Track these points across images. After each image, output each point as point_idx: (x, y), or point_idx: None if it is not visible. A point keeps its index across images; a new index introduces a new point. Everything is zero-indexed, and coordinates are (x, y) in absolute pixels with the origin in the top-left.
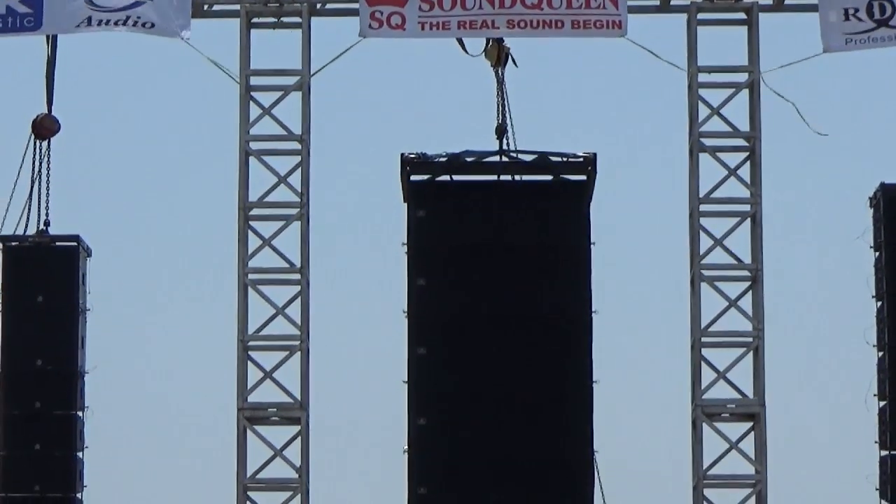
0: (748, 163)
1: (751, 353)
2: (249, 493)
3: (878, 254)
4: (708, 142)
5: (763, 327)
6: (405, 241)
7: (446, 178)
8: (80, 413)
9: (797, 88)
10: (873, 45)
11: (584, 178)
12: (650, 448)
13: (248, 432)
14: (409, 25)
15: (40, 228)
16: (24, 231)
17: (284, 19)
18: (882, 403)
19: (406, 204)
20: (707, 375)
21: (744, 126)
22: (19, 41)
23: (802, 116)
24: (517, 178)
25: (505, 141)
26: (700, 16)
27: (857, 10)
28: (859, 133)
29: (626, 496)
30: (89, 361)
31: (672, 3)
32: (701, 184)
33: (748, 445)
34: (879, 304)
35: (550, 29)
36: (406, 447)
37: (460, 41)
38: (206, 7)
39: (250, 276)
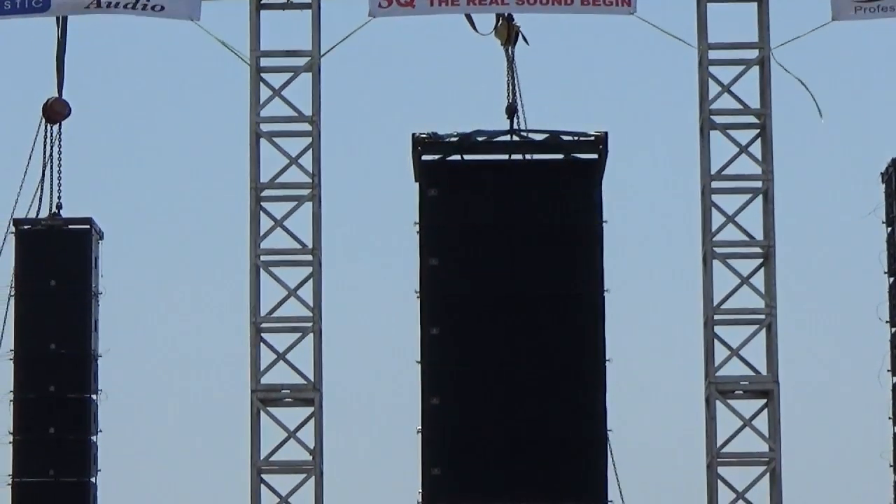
0: (759, 139)
1: (763, 330)
2: (263, 476)
3: (889, 229)
4: (719, 119)
5: (775, 304)
6: (417, 221)
7: (457, 157)
8: (93, 396)
9: (808, 63)
10: (883, 14)
11: (595, 156)
12: (664, 426)
13: (262, 414)
14: (419, 2)
15: (52, 212)
16: (37, 214)
17: (294, 0)
18: (895, 380)
19: (417, 184)
20: (720, 353)
21: (754, 103)
22: (29, 24)
23: (811, 93)
24: (528, 157)
25: (516, 120)
26: None
27: None
28: (871, 107)
29: (641, 474)
30: (102, 345)
31: None
32: (712, 161)
33: (762, 422)
34: (892, 279)
35: (560, 6)
36: (419, 427)
37: (470, 20)
38: None
39: (262, 258)
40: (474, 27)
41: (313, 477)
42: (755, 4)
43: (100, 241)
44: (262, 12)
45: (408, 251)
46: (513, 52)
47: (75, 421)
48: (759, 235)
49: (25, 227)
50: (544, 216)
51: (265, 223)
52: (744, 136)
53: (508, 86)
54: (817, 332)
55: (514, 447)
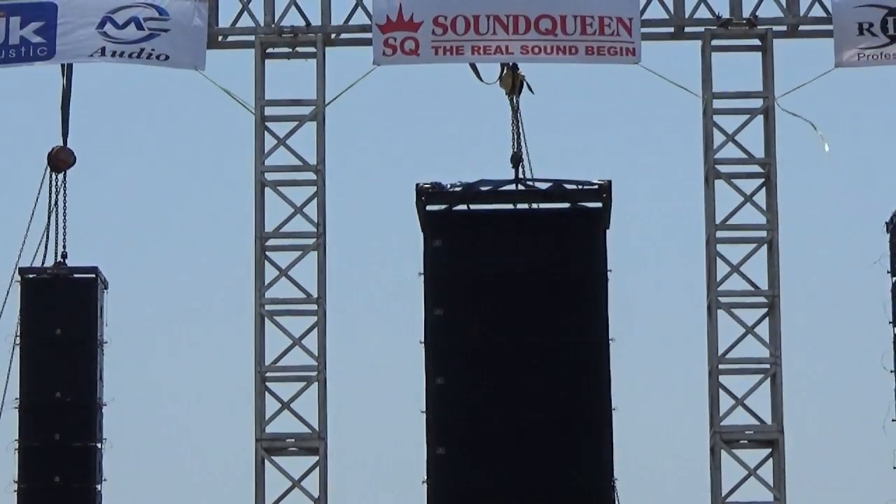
0: (764, 189)
1: (768, 380)
2: None
3: (894, 279)
4: (723, 168)
5: (780, 353)
6: (422, 271)
7: (462, 207)
8: (98, 445)
9: (812, 112)
10: (886, 61)
11: (599, 205)
12: (669, 475)
13: (267, 463)
14: (423, 51)
15: (58, 260)
16: (42, 263)
17: (299, 49)
18: None
19: (422, 233)
20: (725, 402)
21: (759, 152)
22: (35, 73)
23: (815, 128)
24: (533, 206)
25: (520, 169)
26: (714, 42)
27: (871, 25)
28: (876, 156)
29: None
30: (107, 393)
31: (686, 29)
32: (717, 210)
33: (767, 472)
34: None
35: (564, 55)
36: (425, 478)
37: (475, 69)
38: (220, 38)
39: (267, 307)
40: (479, 76)
41: None
42: (759, 54)
43: (105, 290)
44: (267, 61)
45: (413, 301)
46: (518, 102)
47: (80, 470)
48: (764, 285)
49: (31, 275)
50: (549, 265)
51: (270, 272)
52: (748, 186)
53: (513, 135)
54: (822, 382)
55: (520, 499)
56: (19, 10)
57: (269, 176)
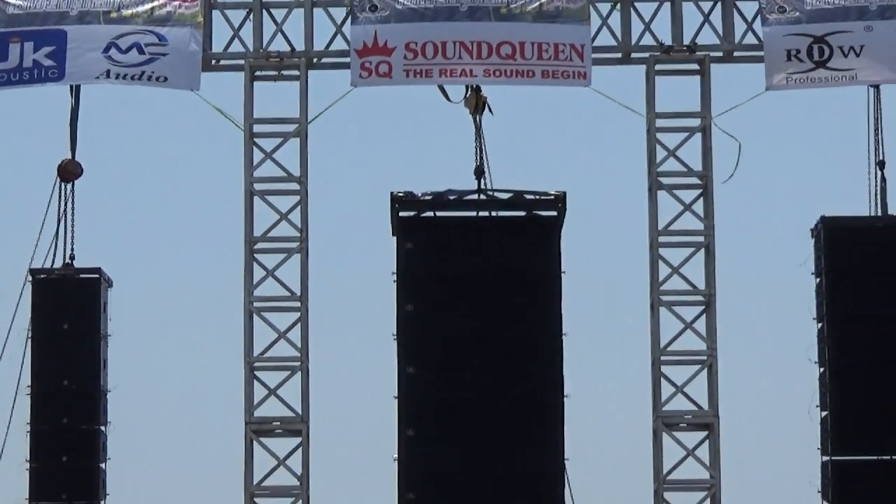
0: (702, 198)
1: (705, 370)
2: (256, 500)
3: (818, 280)
4: (665, 180)
5: (716, 346)
6: (394, 271)
7: (431, 214)
8: (102, 428)
9: (745, 129)
10: (812, 84)
11: (555, 213)
12: (615, 456)
13: (255, 444)
14: (396, 73)
15: (66, 262)
16: (52, 264)
17: (284, 72)
18: (823, 414)
19: (395, 237)
20: (666, 390)
21: (697, 166)
22: (45, 93)
23: (739, 156)
24: (494, 214)
25: (483, 181)
26: (657, 66)
27: (798, 52)
28: (802, 169)
29: (594, 500)
30: (111, 381)
31: (632, 55)
32: (659, 218)
33: (703, 453)
34: (820, 325)
35: (523, 78)
36: (396, 456)
37: (443, 90)
38: (213, 62)
39: (255, 304)
40: (447, 97)
41: (301, 501)
42: (698, 77)
43: (108, 289)
44: (255, 83)
45: (386, 298)
46: (480, 120)
47: (86, 450)
48: (702, 285)
49: (41, 276)
50: (509, 267)
51: (258, 273)
52: (688, 196)
53: (476, 150)
54: (753, 372)
55: (482, 476)
56: (32, 36)
57: (257, 186)
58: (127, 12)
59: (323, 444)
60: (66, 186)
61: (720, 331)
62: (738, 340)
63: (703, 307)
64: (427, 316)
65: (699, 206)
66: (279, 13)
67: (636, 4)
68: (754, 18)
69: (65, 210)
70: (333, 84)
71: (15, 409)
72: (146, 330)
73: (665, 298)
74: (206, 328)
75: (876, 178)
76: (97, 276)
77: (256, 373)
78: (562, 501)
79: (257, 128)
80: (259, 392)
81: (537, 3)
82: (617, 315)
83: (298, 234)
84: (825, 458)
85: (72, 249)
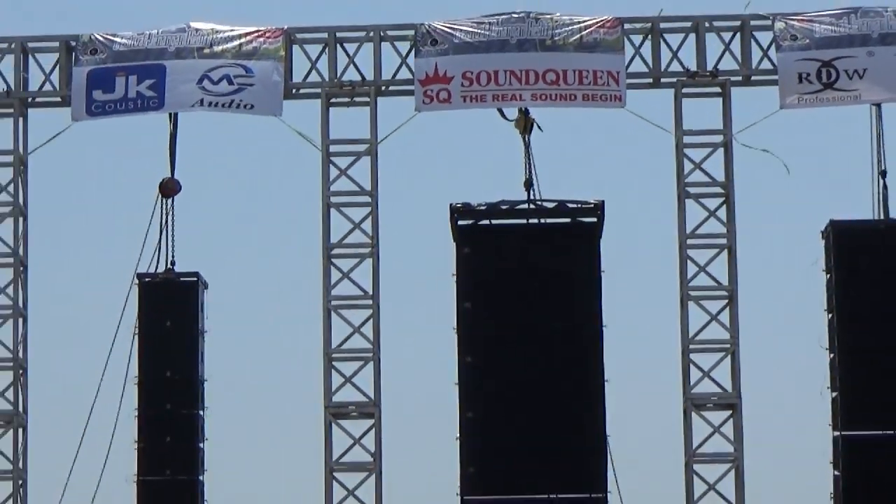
0: (724, 206)
1: (729, 357)
2: (335, 474)
3: (828, 276)
4: (692, 189)
5: (738, 336)
6: (454, 273)
7: (486, 222)
8: (201, 412)
9: (762, 143)
10: (821, 104)
11: (594, 220)
12: (651, 433)
13: (333, 426)
14: (454, 99)
15: (167, 267)
16: (155, 269)
17: (356, 99)
18: (834, 394)
19: (455, 243)
20: (695, 374)
21: (720, 177)
22: (147, 120)
23: (779, 158)
24: (542, 221)
25: (531, 192)
26: (684, 90)
27: (808, 75)
28: (812, 178)
29: (632, 472)
30: (207, 372)
31: (662, 80)
32: (687, 223)
33: (728, 430)
34: (830, 316)
35: (566, 101)
36: (457, 436)
37: (500, 111)
38: (294, 91)
39: (332, 303)
40: (504, 116)
41: (374, 475)
42: (720, 99)
43: (205, 290)
44: (331, 109)
45: (447, 296)
46: (529, 139)
47: (186, 432)
48: (725, 281)
49: (146, 279)
50: (555, 268)
51: (335, 275)
52: (712, 203)
53: (525, 165)
54: (772, 358)
55: (535, 452)
56: (136, 71)
57: (334, 199)
58: (218, 48)
59: (393, 426)
60: (166, 201)
61: (742, 322)
62: (757, 330)
63: (726, 301)
64: (483, 312)
65: (722, 213)
66: (351, 47)
67: (665, 35)
68: (769, 46)
69: (166, 222)
70: (400, 109)
71: (124, 396)
72: (238, 326)
73: (693, 294)
74: (289, 324)
75: (879, 186)
76: (195, 279)
77: (334, 363)
78: (604, 474)
79: (333, 148)
80: (336, 380)
81: (578, 35)
82: (650, 309)
83: (370, 241)
84: (836, 434)
85: (172, 256)
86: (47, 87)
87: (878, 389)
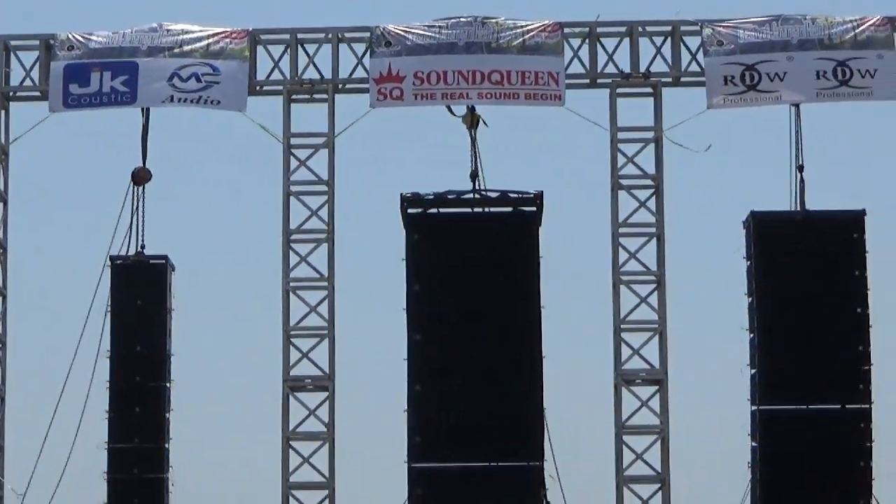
0: (654, 197)
1: (657, 336)
2: (291, 443)
3: (749, 263)
4: (624, 182)
5: (666, 317)
6: (404, 258)
7: (434, 210)
8: (167, 384)
9: (690, 141)
10: (744, 104)
11: (534, 209)
12: (584, 406)
13: (291, 398)
14: (406, 96)
15: (138, 250)
16: (127, 252)
17: (315, 96)
18: (752, 372)
19: (405, 230)
20: (625, 352)
21: (651, 170)
22: (121, 113)
23: (701, 149)
24: (486, 210)
25: (476, 183)
26: (619, 90)
27: (733, 77)
28: (735, 172)
29: (567, 441)
30: (174, 347)
31: (598, 81)
32: (620, 213)
33: (655, 403)
34: (750, 299)
35: (509, 99)
36: (406, 408)
37: (449, 108)
38: (257, 88)
39: (291, 284)
40: (452, 112)
41: (328, 444)
42: (651, 98)
43: (173, 272)
44: (292, 105)
45: (397, 279)
46: (475, 134)
47: (154, 402)
48: (654, 267)
49: (118, 261)
50: (497, 253)
51: (293, 259)
52: (643, 195)
53: (471, 158)
54: (696, 337)
55: (478, 423)
56: (110, 67)
57: (293, 188)
58: (187, 48)
59: (346, 398)
60: (138, 189)
61: (669, 304)
62: (683, 312)
63: (655, 285)
64: (430, 294)
65: (652, 203)
66: (311, 48)
67: (601, 39)
68: (697, 50)
69: (137, 208)
70: (356, 106)
71: (96, 369)
72: (203, 306)
73: (624, 278)
74: (251, 304)
75: (796, 180)
76: (164, 261)
77: (292, 340)
78: (541, 444)
79: (293, 141)
80: (294, 355)
81: (521, 39)
82: (585, 292)
83: (326, 228)
84: (753, 408)
85: (143, 240)
86: (28, 82)
87: (793, 367)
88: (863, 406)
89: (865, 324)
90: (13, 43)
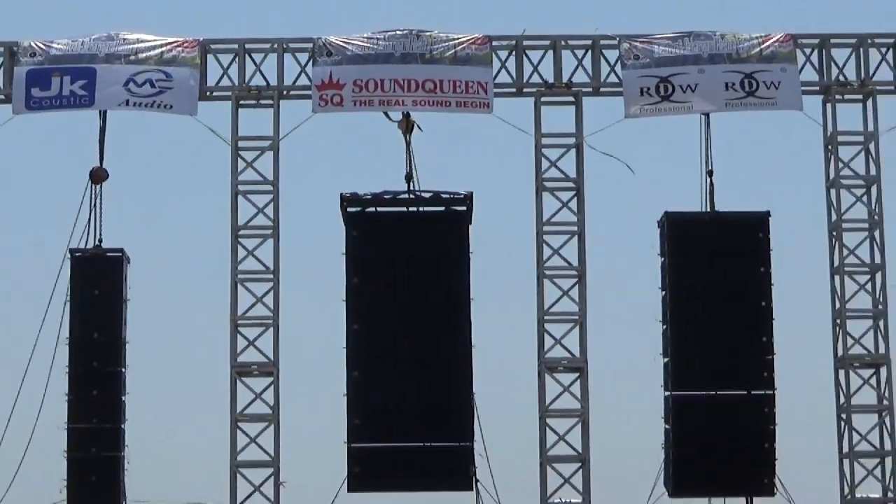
0: (575, 198)
1: (577, 327)
2: (239, 424)
3: (663, 259)
4: (548, 184)
5: (586, 309)
6: (344, 252)
7: (372, 209)
8: (123, 369)
9: (607, 146)
10: (659, 113)
11: (464, 208)
12: (511, 392)
13: (238, 382)
14: (346, 103)
15: (96, 244)
16: (85, 245)
17: (262, 101)
18: (665, 360)
19: (345, 227)
20: (549, 342)
21: (572, 173)
22: (80, 115)
23: (623, 161)
24: (420, 209)
25: (411, 184)
26: (543, 99)
27: (648, 89)
28: (650, 176)
29: (495, 424)
30: (130, 334)
31: (524, 90)
32: (544, 212)
33: (576, 389)
34: (663, 293)
35: (442, 107)
36: (345, 393)
37: (386, 114)
38: (207, 93)
39: (239, 276)
40: (389, 117)
41: (273, 425)
42: (573, 107)
43: (128, 264)
44: (240, 110)
45: (338, 273)
46: (410, 138)
47: (111, 386)
48: (575, 262)
49: (77, 254)
50: (430, 249)
51: (241, 253)
52: (565, 196)
53: (406, 160)
54: (614, 328)
55: (412, 407)
56: (69, 72)
57: (241, 188)
58: (142, 55)
59: (290, 383)
60: (95, 187)
61: (589, 297)
62: (602, 304)
63: (576, 279)
64: (368, 287)
65: (573, 204)
66: (258, 56)
67: (527, 52)
68: (616, 63)
69: (95, 205)
70: (299, 111)
71: (56, 354)
72: (156, 296)
73: (548, 273)
74: (201, 295)
75: (706, 183)
76: (120, 254)
77: (239, 328)
78: (471, 426)
79: (241, 143)
80: (241, 343)
81: (453, 51)
82: (511, 285)
83: (271, 224)
84: (666, 393)
85: (100, 234)
86: None
87: (702, 356)
88: (767, 392)
89: (769, 316)
90: None
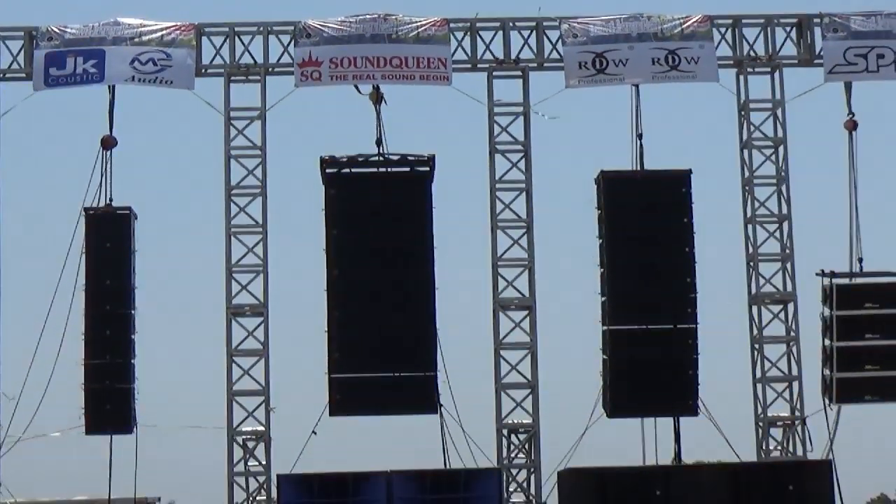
0: (524, 159)
1: (527, 271)
2: (234, 358)
3: (599, 211)
4: (500, 147)
5: (534, 255)
6: (323, 208)
7: (347, 170)
8: (133, 311)
9: (551, 110)
10: (595, 84)
11: (427, 169)
12: (469, 328)
13: (233, 322)
14: (324, 78)
15: (107, 203)
16: (97, 204)
17: (250, 77)
18: (603, 299)
19: (324, 186)
20: (501, 284)
21: (521, 137)
22: (92, 90)
23: (547, 117)
24: (389, 169)
25: (381, 147)
26: (494, 73)
27: (586, 63)
28: (588, 140)
29: (455, 355)
30: (137, 281)
31: (478, 65)
32: (497, 171)
33: (526, 325)
34: (600, 241)
35: (407, 80)
36: (326, 329)
37: (357, 87)
38: (203, 71)
39: (233, 229)
40: (359, 91)
41: (263, 359)
42: (521, 80)
43: (136, 220)
44: (231, 84)
45: (318, 226)
46: (379, 108)
47: (122, 327)
48: (524, 215)
49: (91, 212)
50: (398, 205)
51: (234, 210)
52: (515, 157)
53: (377, 127)
54: (558, 271)
55: (384, 340)
56: (82, 53)
57: (233, 152)
58: (145, 38)
59: (278, 322)
60: (106, 153)
61: (536, 244)
62: (548, 250)
63: (524, 230)
64: (346, 237)
65: (522, 164)
66: (247, 38)
67: (480, 32)
68: (557, 41)
69: (106, 168)
70: (283, 85)
71: (74, 299)
72: (161, 247)
73: (500, 224)
74: (200, 245)
75: (636, 146)
76: (128, 212)
77: (234, 275)
78: (435, 357)
79: (233, 114)
80: (235, 287)
81: (416, 32)
82: (469, 235)
83: (260, 184)
84: (604, 328)
85: (111, 194)
86: (15, 66)
87: (635, 295)
88: (690, 326)
89: (692, 261)
90: (2, 34)
